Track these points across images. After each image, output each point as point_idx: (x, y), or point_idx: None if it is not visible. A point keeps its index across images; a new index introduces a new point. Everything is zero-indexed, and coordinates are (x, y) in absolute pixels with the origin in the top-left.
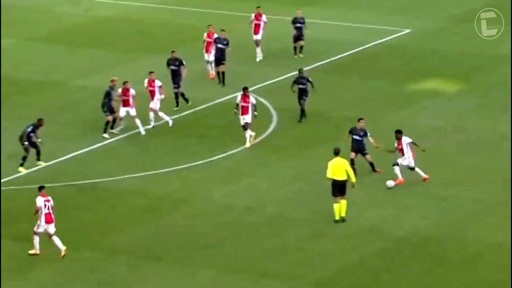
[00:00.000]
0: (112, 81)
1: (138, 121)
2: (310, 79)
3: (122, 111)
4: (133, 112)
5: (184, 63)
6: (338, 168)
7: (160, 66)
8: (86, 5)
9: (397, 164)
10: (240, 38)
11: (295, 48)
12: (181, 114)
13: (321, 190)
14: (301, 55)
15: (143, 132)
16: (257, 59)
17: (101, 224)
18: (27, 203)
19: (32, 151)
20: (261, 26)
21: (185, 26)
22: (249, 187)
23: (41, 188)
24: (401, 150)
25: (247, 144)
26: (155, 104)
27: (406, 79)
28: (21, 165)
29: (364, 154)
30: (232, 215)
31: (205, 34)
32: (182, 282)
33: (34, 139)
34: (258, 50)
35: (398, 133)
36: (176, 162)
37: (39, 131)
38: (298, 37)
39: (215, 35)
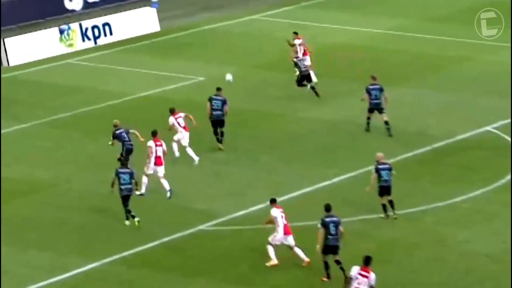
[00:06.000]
0: None
1: None
2: None
3: None
4: None
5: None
6: None
7: (393, 98)
8: (312, 31)
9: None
10: (484, 68)
11: None
12: (417, 152)
13: None
14: None
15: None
16: None
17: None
18: (245, 244)
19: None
20: None
21: (421, 55)
22: (491, 232)
23: None
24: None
25: None
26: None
27: None
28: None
29: None
30: (471, 262)
31: None
32: None
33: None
34: None
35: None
36: (409, 204)
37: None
38: None
39: None
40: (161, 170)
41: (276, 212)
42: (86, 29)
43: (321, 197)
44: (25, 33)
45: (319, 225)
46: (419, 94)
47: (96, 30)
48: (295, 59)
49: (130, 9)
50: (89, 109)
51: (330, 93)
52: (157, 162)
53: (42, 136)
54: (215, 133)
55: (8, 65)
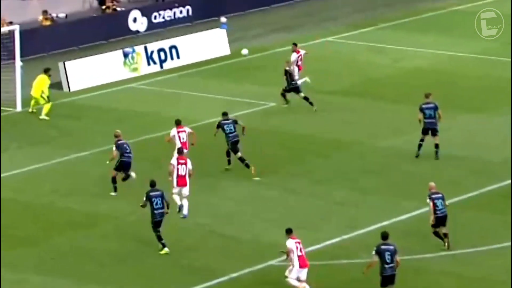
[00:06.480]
0: None
1: None
2: None
3: None
4: None
5: None
6: None
7: (477, 125)
8: (394, 54)
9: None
10: None
11: None
12: (502, 184)
13: None
14: None
15: None
16: None
17: None
18: (317, 281)
19: None
20: None
21: (506, 80)
22: None
23: None
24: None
25: None
26: None
27: None
28: None
29: None
30: None
31: None
32: None
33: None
34: None
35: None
36: (495, 240)
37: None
38: None
39: None
40: (185, 191)
41: (291, 244)
42: (152, 52)
43: (399, 231)
44: (87, 56)
45: (373, 253)
46: (503, 121)
47: (162, 54)
48: (288, 68)
49: (198, 31)
50: (153, 136)
51: (408, 120)
52: (180, 182)
53: (102, 164)
54: (229, 155)
55: (69, 90)
